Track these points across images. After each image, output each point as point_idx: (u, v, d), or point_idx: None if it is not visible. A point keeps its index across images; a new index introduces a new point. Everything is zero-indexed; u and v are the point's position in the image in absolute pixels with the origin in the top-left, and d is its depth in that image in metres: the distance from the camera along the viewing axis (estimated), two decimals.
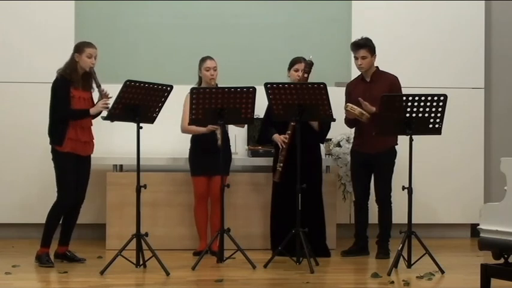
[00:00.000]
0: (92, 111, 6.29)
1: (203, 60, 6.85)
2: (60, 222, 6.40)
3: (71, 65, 6.29)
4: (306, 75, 6.62)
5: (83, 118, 6.28)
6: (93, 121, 6.42)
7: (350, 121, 6.76)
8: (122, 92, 6.04)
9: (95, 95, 6.39)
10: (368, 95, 6.67)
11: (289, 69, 6.84)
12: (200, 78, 6.88)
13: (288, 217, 6.56)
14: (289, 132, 6.58)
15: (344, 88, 6.95)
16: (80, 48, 6.33)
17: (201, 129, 6.75)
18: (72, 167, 6.25)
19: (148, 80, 6.17)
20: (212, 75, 6.78)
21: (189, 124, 6.58)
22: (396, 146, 6.77)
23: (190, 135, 6.91)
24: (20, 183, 7.60)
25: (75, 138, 6.25)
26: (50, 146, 6.30)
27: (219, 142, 6.59)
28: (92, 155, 6.50)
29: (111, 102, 6.17)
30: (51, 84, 6.31)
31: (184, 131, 6.90)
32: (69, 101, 6.22)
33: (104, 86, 6.29)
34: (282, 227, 6.60)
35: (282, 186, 6.65)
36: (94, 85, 6.33)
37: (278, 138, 6.67)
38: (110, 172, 7.20)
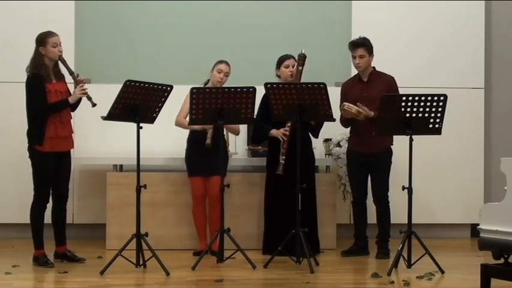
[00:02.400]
0: (71, 99, 6.22)
1: (219, 62, 6.85)
2: (51, 222, 6.38)
3: (39, 60, 6.21)
4: (300, 68, 6.63)
5: (63, 109, 6.22)
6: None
7: (346, 120, 6.76)
8: (121, 92, 6.04)
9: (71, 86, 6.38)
10: (365, 95, 6.68)
11: (278, 67, 6.84)
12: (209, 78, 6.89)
13: (282, 216, 6.57)
14: (289, 124, 6.57)
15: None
16: (42, 40, 6.24)
17: (194, 126, 6.73)
18: (51, 166, 6.21)
19: (148, 80, 6.17)
20: (221, 78, 6.77)
21: (189, 124, 6.58)
22: (395, 146, 6.77)
23: (188, 135, 6.91)
24: (20, 183, 7.58)
25: (55, 136, 6.20)
26: (28, 145, 6.22)
27: (208, 141, 6.59)
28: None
29: (86, 86, 6.12)
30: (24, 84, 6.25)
31: (177, 124, 6.90)
32: (46, 97, 6.16)
33: (76, 73, 6.25)
34: (276, 227, 6.61)
35: (277, 184, 6.65)
36: (68, 74, 6.26)
37: (278, 132, 6.66)
38: (110, 172, 7.20)
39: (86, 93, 6.17)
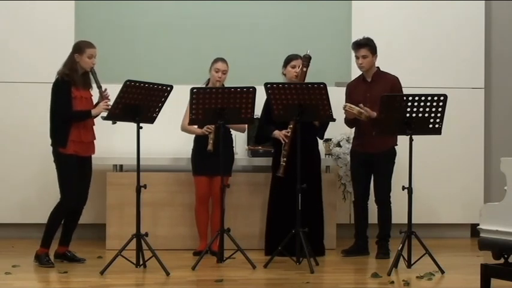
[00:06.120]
0: (94, 112, 6.28)
1: (215, 61, 6.84)
2: (62, 222, 6.39)
3: (71, 65, 6.27)
4: (304, 69, 6.62)
5: (85, 119, 6.27)
6: (94, 121, 6.41)
7: (350, 121, 6.77)
8: (121, 92, 6.04)
9: (94, 93, 6.39)
10: (369, 95, 6.68)
11: (284, 66, 6.83)
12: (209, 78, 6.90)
13: (286, 217, 6.55)
14: (291, 126, 6.56)
15: (344, 88, 6.96)
16: (80, 48, 6.31)
17: (197, 131, 6.77)
18: (75, 169, 6.24)
19: (148, 80, 6.17)
20: (220, 77, 6.77)
21: (189, 124, 6.58)
22: (396, 146, 6.78)
23: (193, 135, 6.92)
24: (20, 183, 7.60)
25: (78, 140, 6.23)
26: (52, 148, 6.28)
27: (209, 147, 6.59)
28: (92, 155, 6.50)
29: (111, 103, 6.17)
30: (51, 85, 6.29)
31: (182, 129, 6.92)
32: (71, 103, 6.21)
33: (104, 87, 6.30)
34: (279, 228, 6.59)
35: (281, 185, 6.64)
36: (94, 85, 6.33)
37: (279, 134, 6.66)
38: (110, 172, 7.20)
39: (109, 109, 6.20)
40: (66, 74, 6.23)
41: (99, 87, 6.28)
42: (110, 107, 6.18)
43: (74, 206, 6.30)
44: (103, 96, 6.29)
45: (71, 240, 6.47)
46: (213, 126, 6.61)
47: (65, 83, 6.21)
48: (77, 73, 6.27)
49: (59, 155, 6.24)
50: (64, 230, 6.44)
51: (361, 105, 6.55)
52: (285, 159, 6.54)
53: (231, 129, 6.91)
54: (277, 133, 6.69)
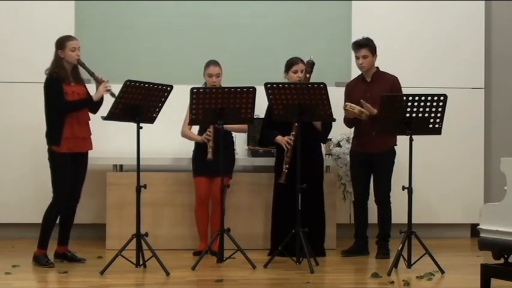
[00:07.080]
0: (95, 97, 6.28)
1: (207, 65, 6.82)
2: (57, 222, 6.39)
3: (57, 63, 6.27)
4: (308, 75, 6.61)
5: (87, 106, 6.27)
6: (94, 121, 6.41)
7: (349, 121, 6.76)
8: (121, 92, 6.04)
9: (91, 90, 6.38)
10: (368, 95, 6.68)
11: (286, 71, 6.80)
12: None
13: (290, 218, 6.54)
14: (293, 133, 6.54)
15: (344, 88, 6.95)
16: (61, 43, 6.29)
17: (197, 138, 6.77)
18: (69, 167, 6.23)
19: (148, 80, 6.17)
20: (214, 82, 6.76)
21: (189, 124, 6.58)
22: (396, 146, 6.78)
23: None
24: (20, 183, 7.59)
25: (72, 136, 6.22)
26: (47, 147, 6.28)
27: (209, 156, 6.58)
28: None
29: (110, 84, 6.18)
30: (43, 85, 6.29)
31: (182, 135, 6.93)
32: (63, 95, 6.18)
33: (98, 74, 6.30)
34: (284, 230, 6.57)
35: (285, 187, 6.61)
36: (89, 76, 6.31)
37: (282, 140, 6.64)
38: (110, 172, 7.20)
39: (110, 90, 6.19)
40: (54, 71, 6.23)
41: (92, 74, 6.28)
42: (110, 87, 6.18)
43: (66, 204, 6.29)
44: (99, 81, 6.28)
45: (69, 239, 6.47)
46: (212, 133, 6.59)
47: (54, 80, 6.21)
48: (64, 69, 6.26)
49: (53, 153, 6.23)
50: (61, 229, 6.43)
51: (362, 101, 6.54)
52: (287, 166, 6.52)
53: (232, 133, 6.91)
54: (279, 139, 6.66)
